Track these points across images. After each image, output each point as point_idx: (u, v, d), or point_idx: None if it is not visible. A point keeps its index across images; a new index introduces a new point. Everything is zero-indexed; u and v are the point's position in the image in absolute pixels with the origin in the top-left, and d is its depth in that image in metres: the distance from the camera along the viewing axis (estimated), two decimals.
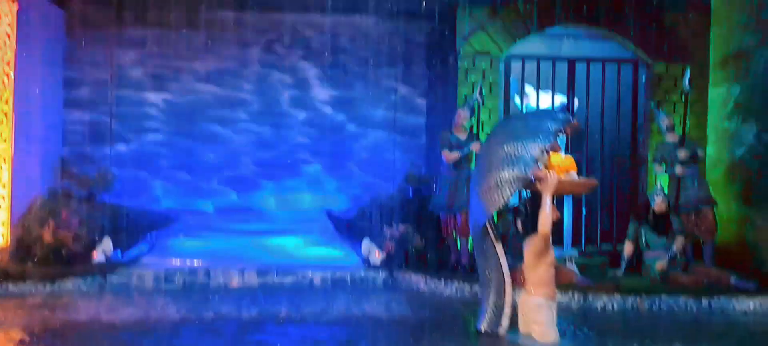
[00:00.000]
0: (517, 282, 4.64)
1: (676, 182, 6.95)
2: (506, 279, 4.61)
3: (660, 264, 6.54)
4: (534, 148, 4.29)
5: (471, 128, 7.07)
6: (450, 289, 6.36)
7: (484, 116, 7.48)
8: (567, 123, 4.51)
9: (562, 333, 4.68)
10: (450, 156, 6.78)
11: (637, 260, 6.82)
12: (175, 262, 6.75)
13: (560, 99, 8.53)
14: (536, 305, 4.50)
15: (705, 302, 5.95)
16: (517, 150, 4.30)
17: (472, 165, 7.07)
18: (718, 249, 6.99)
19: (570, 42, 8.29)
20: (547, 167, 4.43)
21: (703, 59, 7.85)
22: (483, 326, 4.65)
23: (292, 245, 7.64)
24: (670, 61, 7.77)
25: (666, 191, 6.83)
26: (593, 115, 8.13)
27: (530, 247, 4.52)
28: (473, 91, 7.16)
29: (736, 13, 7.44)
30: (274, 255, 7.20)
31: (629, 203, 7.89)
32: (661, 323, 5.48)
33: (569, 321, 5.33)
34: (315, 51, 8.63)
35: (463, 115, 6.89)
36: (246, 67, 8.64)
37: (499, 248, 4.64)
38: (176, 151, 8.58)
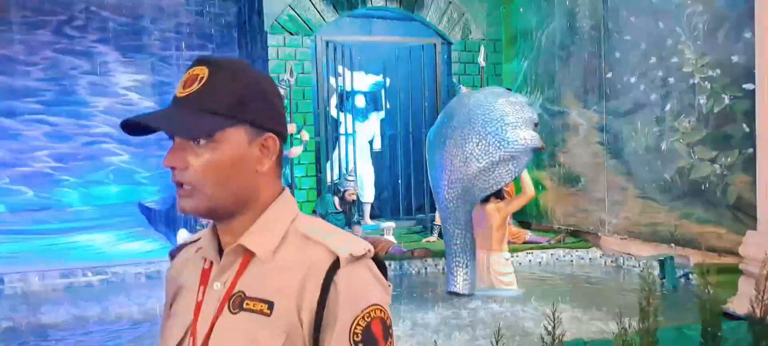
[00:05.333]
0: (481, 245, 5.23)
1: None
2: (476, 243, 5.13)
3: None
4: (527, 133, 4.83)
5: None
6: None
7: (297, 97, 7.52)
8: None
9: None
10: None
11: None
12: None
13: (373, 79, 8.84)
14: (504, 260, 5.33)
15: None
16: (510, 135, 4.77)
17: (288, 146, 7.09)
18: (520, 210, 7.76)
19: (380, 23, 8.62)
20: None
21: (497, 36, 8.59)
22: (457, 288, 5.03)
23: (101, 242, 7.13)
24: (468, 39, 8.40)
25: None
26: (403, 93, 8.54)
27: (504, 210, 5.31)
28: (285, 72, 7.14)
29: None
30: (81, 254, 6.67)
31: None
32: None
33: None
34: (114, 33, 8.02)
35: None
36: (35, 53, 7.81)
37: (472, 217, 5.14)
38: None
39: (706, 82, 5.56)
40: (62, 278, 5.97)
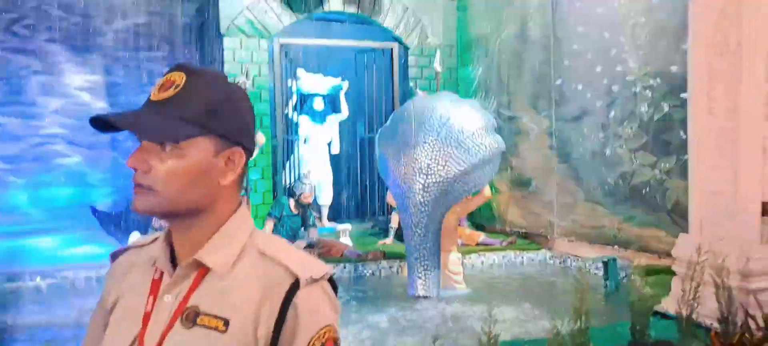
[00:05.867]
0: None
1: None
2: (440, 246, 5.17)
3: None
4: (498, 137, 5.06)
5: None
6: None
7: (253, 100, 7.50)
8: None
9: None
10: None
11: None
12: None
13: (332, 82, 8.89)
14: (457, 260, 5.54)
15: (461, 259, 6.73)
16: (485, 140, 4.94)
17: None
18: (475, 212, 7.91)
19: (339, 26, 8.67)
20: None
21: (453, 42, 8.75)
22: (424, 291, 5.01)
23: (51, 245, 6.99)
24: (424, 45, 8.53)
25: None
26: (361, 96, 8.62)
27: (463, 211, 5.60)
28: (241, 75, 7.15)
29: (477, 1, 8.38)
30: (29, 257, 6.53)
31: None
32: None
33: (342, 289, 5.69)
34: (66, 32, 7.87)
35: None
36: None
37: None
38: None
39: (647, 91, 5.79)
40: (9, 282, 5.85)
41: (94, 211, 7.82)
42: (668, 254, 5.34)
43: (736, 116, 3.67)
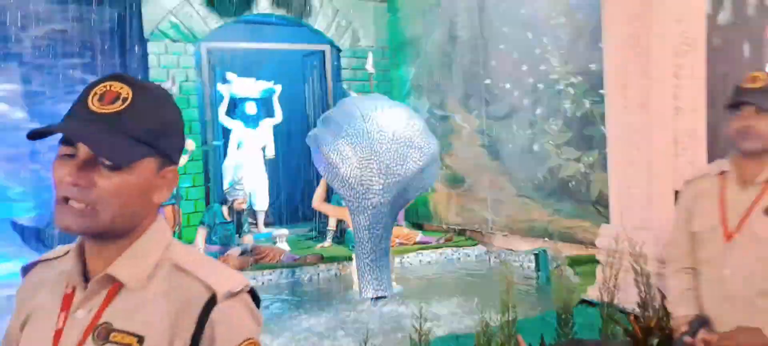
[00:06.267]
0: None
1: None
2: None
3: None
4: (432, 136, 5.09)
5: None
6: None
7: (181, 106, 7.36)
8: None
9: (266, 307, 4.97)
10: None
11: (341, 232, 7.45)
12: None
13: (264, 85, 8.80)
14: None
15: (396, 258, 6.79)
16: (429, 138, 4.97)
17: None
18: (410, 210, 8.01)
19: (270, 29, 8.59)
20: None
21: (385, 44, 8.82)
22: (377, 292, 4.95)
23: None
24: (357, 46, 8.56)
25: None
26: (293, 100, 8.56)
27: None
28: (167, 80, 6.99)
29: (407, 3, 8.48)
30: None
31: None
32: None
33: (277, 293, 5.68)
34: None
35: None
36: None
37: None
38: None
39: (570, 89, 6.02)
40: None
41: (15, 225, 7.47)
42: (594, 244, 5.57)
43: (649, 111, 3.86)
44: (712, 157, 4.03)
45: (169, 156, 1.04)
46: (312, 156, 5.18)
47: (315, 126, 8.65)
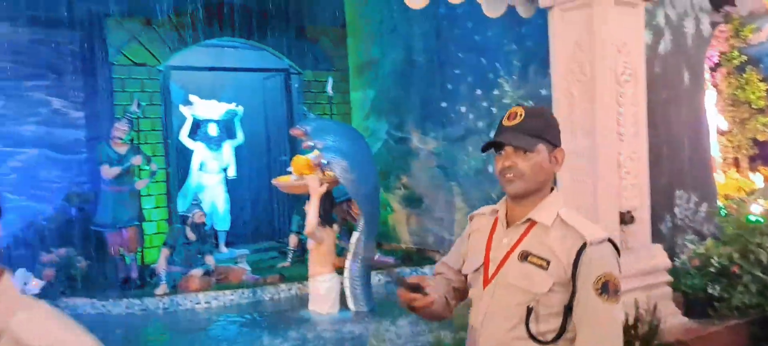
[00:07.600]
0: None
1: None
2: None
3: None
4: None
5: (132, 140, 6.96)
6: (119, 308, 6.20)
7: (145, 128, 7.41)
8: None
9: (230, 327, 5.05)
10: (110, 171, 6.58)
11: (303, 250, 7.56)
12: None
13: (225, 107, 8.88)
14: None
15: None
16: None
17: (136, 179, 6.98)
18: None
19: (232, 53, 8.70)
20: None
21: (344, 67, 9.03)
22: (361, 306, 5.48)
23: None
24: (317, 70, 8.74)
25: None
26: (254, 122, 8.67)
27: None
28: (132, 103, 7.03)
29: (365, 26, 8.73)
30: None
31: (294, 199, 8.64)
32: None
33: (238, 312, 5.77)
34: None
35: (120, 128, 6.72)
36: None
37: None
38: None
39: None
40: None
41: None
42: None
43: (594, 136, 4.15)
44: (653, 179, 4.36)
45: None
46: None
47: (276, 148, 8.84)
